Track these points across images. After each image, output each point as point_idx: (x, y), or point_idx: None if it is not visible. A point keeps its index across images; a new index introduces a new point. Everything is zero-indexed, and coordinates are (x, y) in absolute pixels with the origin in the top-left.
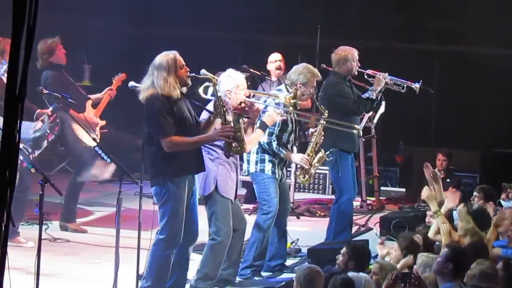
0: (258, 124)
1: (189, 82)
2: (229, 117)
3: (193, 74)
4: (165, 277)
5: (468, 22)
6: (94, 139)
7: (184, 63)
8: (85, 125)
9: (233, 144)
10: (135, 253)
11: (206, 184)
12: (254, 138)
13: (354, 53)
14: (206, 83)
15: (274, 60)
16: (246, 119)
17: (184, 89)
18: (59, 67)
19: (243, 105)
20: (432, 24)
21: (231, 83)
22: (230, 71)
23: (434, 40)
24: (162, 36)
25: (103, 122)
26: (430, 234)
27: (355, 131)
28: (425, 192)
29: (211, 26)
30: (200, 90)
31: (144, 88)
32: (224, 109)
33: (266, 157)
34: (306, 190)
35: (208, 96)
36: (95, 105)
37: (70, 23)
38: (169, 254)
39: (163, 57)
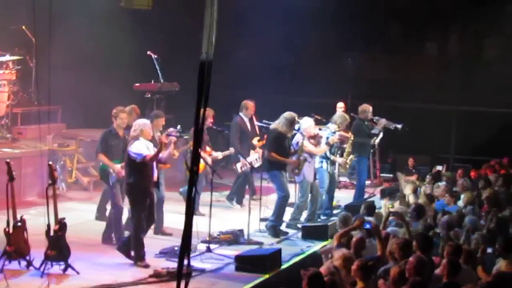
0: (325, 142)
1: (293, 132)
2: (301, 157)
3: (296, 130)
4: (282, 217)
5: None
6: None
7: (297, 121)
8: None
9: (295, 170)
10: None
11: (299, 176)
12: (322, 150)
13: (370, 108)
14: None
15: (341, 107)
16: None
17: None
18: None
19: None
20: None
21: (307, 124)
22: (306, 118)
23: None
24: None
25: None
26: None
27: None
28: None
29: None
30: (296, 127)
31: (274, 123)
32: (301, 152)
33: (324, 160)
34: (344, 176)
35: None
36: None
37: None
38: (284, 204)
39: (290, 115)
